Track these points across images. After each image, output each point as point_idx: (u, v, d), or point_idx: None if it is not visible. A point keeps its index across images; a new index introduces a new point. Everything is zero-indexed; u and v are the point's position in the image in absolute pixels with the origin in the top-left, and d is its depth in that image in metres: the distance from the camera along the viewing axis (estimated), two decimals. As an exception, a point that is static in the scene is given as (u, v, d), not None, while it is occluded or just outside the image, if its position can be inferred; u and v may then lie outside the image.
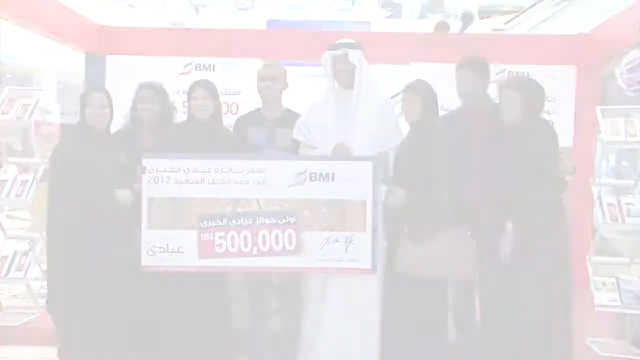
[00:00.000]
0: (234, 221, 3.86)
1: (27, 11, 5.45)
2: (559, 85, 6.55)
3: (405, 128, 4.03)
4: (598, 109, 5.21)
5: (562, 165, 3.66)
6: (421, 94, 3.85)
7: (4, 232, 4.99)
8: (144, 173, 3.81)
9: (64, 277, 3.80)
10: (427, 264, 3.71)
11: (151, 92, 4.17)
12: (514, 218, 3.53)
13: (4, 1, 4.91)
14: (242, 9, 11.83)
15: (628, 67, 5.96)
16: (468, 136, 3.89)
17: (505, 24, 8.06)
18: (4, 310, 4.88)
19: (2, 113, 5.01)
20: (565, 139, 6.36)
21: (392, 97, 4.31)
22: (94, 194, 3.74)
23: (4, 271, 4.84)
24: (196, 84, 4.06)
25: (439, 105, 3.98)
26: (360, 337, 3.85)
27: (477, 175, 3.79)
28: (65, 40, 6.26)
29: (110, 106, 3.88)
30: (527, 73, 6.36)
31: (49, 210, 3.77)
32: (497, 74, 6.53)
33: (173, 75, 6.57)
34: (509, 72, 6.58)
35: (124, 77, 6.34)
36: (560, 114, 6.51)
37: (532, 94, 3.73)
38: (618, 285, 4.63)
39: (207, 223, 3.87)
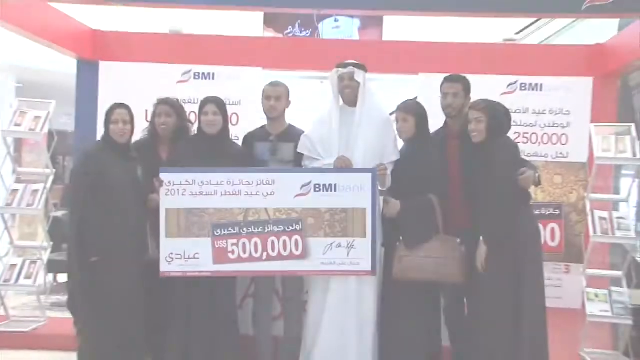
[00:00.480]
0: (245, 229, 4.38)
1: (22, 16, 5.88)
2: (574, 97, 6.90)
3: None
4: (591, 125, 5.80)
5: (524, 178, 4.15)
6: (414, 114, 4.43)
7: (13, 241, 5.62)
8: (162, 186, 4.36)
9: (86, 279, 4.23)
10: (421, 270, 4.23)
11: (167, 107, 4.70)
12: (481, 229, 4.13)
13: (4, 10, 5.52)
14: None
15: None
16: (449, 152, 4.53)
17: (516, 34, 7.86)
18: (10, 318, 5.53)
19: (15, 125, 5.61)
20: (580, 154, 6.21)
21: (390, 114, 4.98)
22: (118, 204, 4.26)
23: (13, 279, 5.46)
24: (208, 100, 4.59)
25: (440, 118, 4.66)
26: (356, 336, 4.39)
27: (457, 188, 4.38)
28: (57, 45, 6.57)
29: (132, 122, 4.48)
30: (541, 85, 6.41)
31: (73, 219, 4.28)
32: (509, 85, 6.30)
33: (171, 83, 6.87)
34: (521, 83, 6.83)
35: (118, 85, 6.72)
36: (575, 127, 6.82)
37: (495, 115, 4.21)
38: (610, 296, 5.25)
39: (221, 231, 4.37)
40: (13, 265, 5.48)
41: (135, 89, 6.40)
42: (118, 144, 4.40)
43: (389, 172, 4.46)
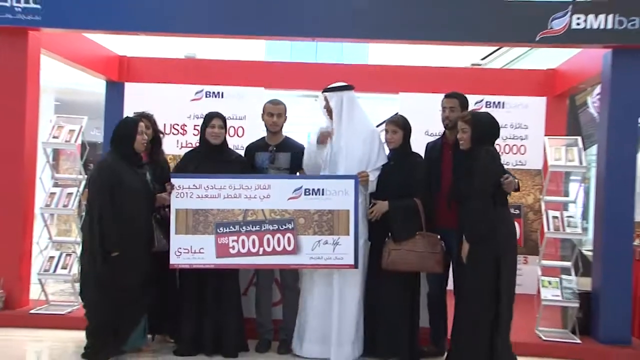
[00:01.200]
0: (244, 227, 4.46)
1: (61, 45, 6.02)
2: (530, 114, 6.97)
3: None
4: (545, 138, 5.87)
5: (508, 183, 4.19)
6: (402, 127, 4.60)
7: (51, 236, 5.72)
8: (172, 189, 4.46)
9: (105, 271, 4.28)
10: (406, 261, 4.38)
11: (146, 121, 4.67)
12: (464, 229, 4.18)
13: (45, 40, 5.66)
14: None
15: (598, 96, 6.36)
16: (444, 161, 4.61)
17: (482, 59, 7.98)
18: (49, 302, 5.62)
19: (53, 137, 5.71)
20: (536, 162, 6.33)
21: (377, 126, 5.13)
22: (133, 205, 4.32)
23: (52, 269, 5.56)
24: (214, 115, 4.69)
25: (424, 128, 5.05)
26: (338, 319, 4.48)
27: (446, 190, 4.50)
28: (89, 69, 6.71)
29: (148, 133, 4.60)
30: (503, 103, 6.31)
31: (94, 220, 4.26)
32: (476, 103, 6.54)
33: (185, 101, 6.98)
34: (486, 101, 6.88)
35: (141, 103, 6.75)
36: (531, 139, 6.91)
37: (478, 126, 4.21)
38: (561, 283, 5.34)
39: (223, 229, 4.46)
40: (51, 257, 5.57)
41: (155, 106, 6.22)
42: (137, 153, 4.48)
43: (372, 178, 4.53)
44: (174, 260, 4.45)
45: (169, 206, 4.53)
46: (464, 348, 4.22)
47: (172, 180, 4.52)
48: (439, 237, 4.52)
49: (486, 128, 4.25)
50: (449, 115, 4.62)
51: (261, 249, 4.43)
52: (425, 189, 4.55)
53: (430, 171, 4.62)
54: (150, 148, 4.76)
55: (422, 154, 4.76)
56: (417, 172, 4.56)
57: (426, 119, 5.59)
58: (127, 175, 4.37)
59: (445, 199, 4.47)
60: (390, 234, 4.49)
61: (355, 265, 4.46)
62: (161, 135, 4.94)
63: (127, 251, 4.31)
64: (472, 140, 4.21)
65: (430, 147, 4.84)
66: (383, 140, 4.69)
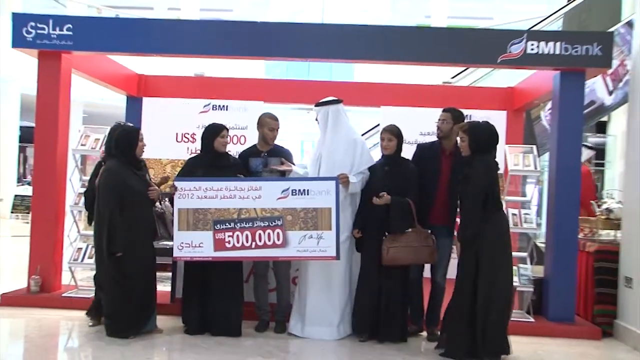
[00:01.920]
0: (238, 224, 4.51)
1: (89, 65, 6.13)
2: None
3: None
4: (506, 146, 5.95)
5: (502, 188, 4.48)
6: (397, 135, 4.66)
7: (80, 230, 5.80)
8: (176, 191, 4.55)
9: (114, 263, 4.44)
10: (404, 256, 4.45)
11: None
12: (458, 231, 4.33)
13: (75, 61, 5.82)
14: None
15: (550, 111, 6.54)
16: (442, 167, 4.65)
17: (452, 78, 8.13)
18: (78, 287, 5.71)
19: (81, 145, 5.85)
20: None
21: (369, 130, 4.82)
22: (139, 205, 4.50)
23: (80, 258, 5.68)
24: (224, 127, 4.78)
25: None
26: (330, 303, 4.63)
27: (442, 195, 4.59)
28: (112, 86, 6.79)
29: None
30: (470, 116, 6.54)
31: (104, 221, 4.41)
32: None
33: (195, 113, 7.00)
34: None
35: (156, 115, 6.93)
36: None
37: (474, 135, 4.21)
38: (518, 271, 5.41)
39: (220, 226, 4.51)
40: (79, 248, 5.68)
41: (169, 118, 6.74)
42: (138, 158, 4.61)
43: (353, 180, 4.59)
44: (177, 253, 4.53)
45: (163, 200, 4.68)
46: (448, 329, 4.31)
47: (176, 183, 4.58)
48: (429, 231, 4.57)
49: (482, 137, 4.23)
50: (441, 126, 4.70)
51: (253, 243, 4.47)
52: (416, 191, 4.57)
53: (422, 174, 4.62)
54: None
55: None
56: (410, 177, 4.60)
57: (404, 129, 5.57)
58: (132, 179, 4.51)
59: (441, 200, 4.56)
60: (386, 233, 4.50)
61: (337, 257, 4.50)
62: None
63: (136, 243, 4.44)
64: (471, 148, 4.20)
65: (425, 147, 4.87)
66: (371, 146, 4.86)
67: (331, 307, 4.66)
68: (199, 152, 5.02)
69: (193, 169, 4.75)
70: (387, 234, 4.54)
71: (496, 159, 4.35)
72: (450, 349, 4.27)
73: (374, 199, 4.52)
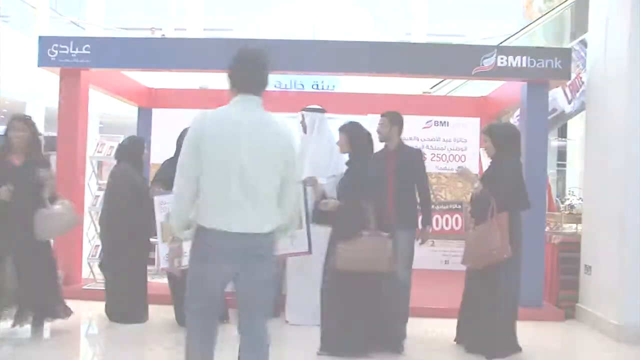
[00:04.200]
0: None
1: (104, 80, 6.13)
2: (468, 131, 7.09)
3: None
4: (480, 149, 5.99)
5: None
6: (349, 137, 4.08)
7: (97, 229, 5.73)
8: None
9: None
10: (355, 262, 3.77)
11: (22, 123, 4.16)
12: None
13: (93, 77, 5.83)
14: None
15: (518, 117, 6.63)
16: (387, 167, 4.38)
17: (431, 88, 8.18)
18: (96, 280, 5.73)
19: (98, 152, 5.92)
20: (474, 168, 6.60)
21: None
22: (147, 197, 4.53)
23: (97, 254, 5.66)
24: None
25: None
26: (310, 292, 4.34)
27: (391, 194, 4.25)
28: (125, 98, 6.82)
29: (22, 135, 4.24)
30: (447, 122, 6.46)
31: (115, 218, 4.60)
32: (427, 122, 6.58)
33: None
34: (435, 121, 6.91)
35: (165, 124, 6.83)
36: (469, 151, 7.06)
37: (495, 136, 4.04)
38: None
39: None
40: (97, 246, 5.71)
41: (176, 127, 6.60)
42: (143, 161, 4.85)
43: (322, 181, 4.38)
44: (163, 264, 4.36)
45: None
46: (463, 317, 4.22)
47: (155, 199, 4.40)
48: (387, 234, 3.86)
49: (502, 137, 4.05)
50: (380, 130, 4.48)
51: None
52: (374, 193, 3.95)
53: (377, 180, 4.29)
54: (30, 149, 4.13)
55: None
56: (368, 178, 3.97)
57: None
58: (139, 179, 4.73)
59: (392, 199, 4.19)
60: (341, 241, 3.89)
61: (309, 252, 4.46)
62: (40, 137, 4.38)
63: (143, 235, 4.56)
64: (496, 148, 4.03)
65: (375, 156, 4.48)
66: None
67: (306, 299, 4.57)
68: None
69: (171, 173, 4.45)
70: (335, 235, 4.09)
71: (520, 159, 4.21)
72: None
73: (321, 202, 4.10)
